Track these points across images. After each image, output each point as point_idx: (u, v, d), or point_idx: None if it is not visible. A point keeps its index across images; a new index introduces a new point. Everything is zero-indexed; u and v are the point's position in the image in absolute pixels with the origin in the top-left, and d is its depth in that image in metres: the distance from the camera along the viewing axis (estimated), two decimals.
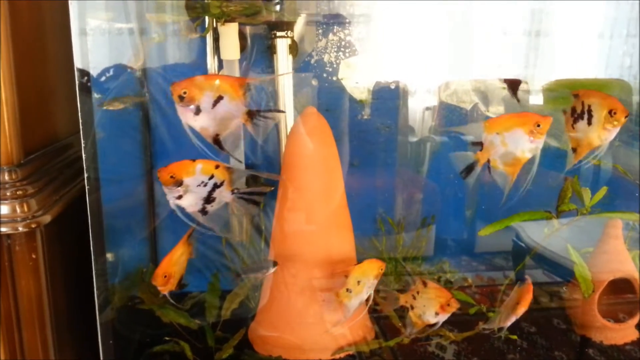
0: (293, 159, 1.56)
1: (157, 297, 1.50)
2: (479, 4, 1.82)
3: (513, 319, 1.47)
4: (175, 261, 1.40)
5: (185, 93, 1.19)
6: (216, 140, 1.25)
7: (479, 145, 1.33)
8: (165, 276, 1.36)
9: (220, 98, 1.22)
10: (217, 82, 1.22)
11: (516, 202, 1.68)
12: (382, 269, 1.44)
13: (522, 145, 1.29)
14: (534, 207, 1.68)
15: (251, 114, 1.25)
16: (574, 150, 1.40)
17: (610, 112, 1.30)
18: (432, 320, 1.44)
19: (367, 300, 1.46)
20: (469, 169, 1.35)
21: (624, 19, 1.96)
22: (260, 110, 1.25)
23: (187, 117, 1.22)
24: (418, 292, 1.45)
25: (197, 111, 1.21)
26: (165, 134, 1.77)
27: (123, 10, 1.64)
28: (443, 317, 1.43)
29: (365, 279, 1.43)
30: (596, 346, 1.67)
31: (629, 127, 1.88)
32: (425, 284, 1.45)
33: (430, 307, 1.44)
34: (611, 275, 1.62)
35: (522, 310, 1.45)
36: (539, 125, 1.27)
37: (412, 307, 1.47)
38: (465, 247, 2.12)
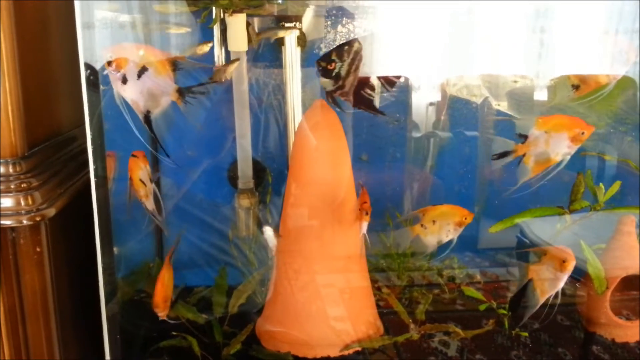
0: (301, 153, 1.54)
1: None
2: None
3: (565, 277, 1.44)
4: (167, 284, 1.44)
5: (111, 57, 1.22)
6: (147, 118, 1.27)
7: (523, 137, 1.36)
8: (165, 301, 1.39)
9: (144, 69, 1.22)
10: (142, 52, 1.26)
11: (523, 198, 1.67)
12: (466, 218, 1.44)
13: (560, 148, 1.33)
14: (540, 204, 1.67)
15: (181, 92, 1.25)
16: (577, 87, 1.47)
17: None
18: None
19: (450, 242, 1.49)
20: (503, 155, 1.39)
21: (630, 14, 1.94)
22: (192, 86, 1.27)
23: (117, 85, 1.24)
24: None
25: (124, 80, 1.22)
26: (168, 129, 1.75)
27: (126, 2, 1.62)
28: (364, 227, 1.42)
29: (443, 221, 1.45)
30: (607, 344, 1.67)
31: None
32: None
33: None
34: (624, 272, 1.61)
35: (572, 265, 1.42)
36: (583, 133, 1.31)
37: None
38: (469, 243, 2.11)
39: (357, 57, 1.32)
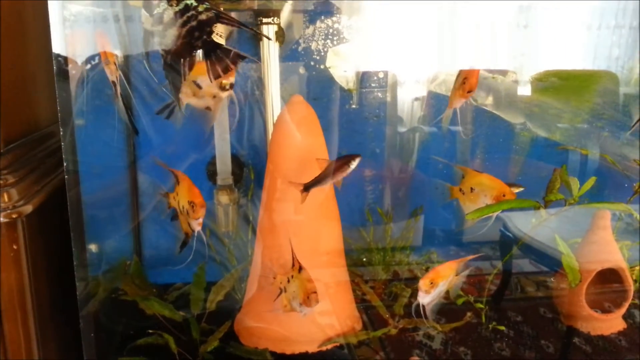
0: (279, 149, 1.54)
1: (141, 289, 1.49)
2: None
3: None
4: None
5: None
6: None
7: None
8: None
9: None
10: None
11: None
12: (504, 195, 1.43)
13: None
14: (521, 197, 1.67)
15: (114, 84, 1.39)
16: None
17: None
18: (298, 309, 1.40)
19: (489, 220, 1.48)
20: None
21: (612, 9, 1.96)
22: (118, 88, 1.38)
23: None
24: (292, 276, 1.42)
25: None
26: (148, 124, 1.74)
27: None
28: (306, 310, 1.39)
29: (480, 191, 1.45)
30: (583, 336, 1.68)
31: (616, 117, 1.89)
32: (300, 270, 1.40)
33: (298, 296, 1.40)
34: (599, 266, 1.62)
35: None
36: None
37: (285, 290, 1.43)
38: (453, 237, 2.12)
39: (203, 26, 1.12)
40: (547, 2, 1.87)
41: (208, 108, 1.33)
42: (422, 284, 1.37)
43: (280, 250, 1.54)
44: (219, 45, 1.14)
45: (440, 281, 1.39)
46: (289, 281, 1.42)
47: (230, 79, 1.29)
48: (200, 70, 1.23)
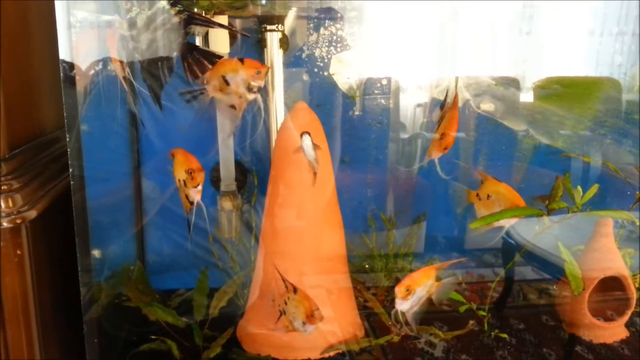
0: (283, 155, 1.55)
1: (145, 295, 1.49)
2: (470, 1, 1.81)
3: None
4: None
5: None
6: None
7: None
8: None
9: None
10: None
11: None
12: (516, 205, 1.45)
13: None
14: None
15: (127, 80, 1.35)
16: None
17: None
18: (301, 329, 1.40)
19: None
20: None
21: (614, 16, 1.96)
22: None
23: None
24: (289, 298, 1.42)
25: None
26: (152, 130, 1.75)
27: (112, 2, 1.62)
28: (311, 328, 1.40)
29: (496, 200, 1.47)
30: (585, 344, 1.68)
31: (619, 125, 1.89)
32: (295, 291, 1.41)
33: (298, 315, 1.40)
34: (602, 274, 1.62)
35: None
36: None
37: (284, 312, 1.44)
38: (455, 244, 2.12)
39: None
40: (550, 9, 1.88)
41: (233, 106, 1.31)
42: (398, 290, 1.38)
43: (283, 257, 1.55)
44: (195, 47, 1.14)
45: (416, 287, 1.40)
46: (286, 303, 1.42)
47: (260, 82, 1.27)
48: (230, 66, 1.24)
